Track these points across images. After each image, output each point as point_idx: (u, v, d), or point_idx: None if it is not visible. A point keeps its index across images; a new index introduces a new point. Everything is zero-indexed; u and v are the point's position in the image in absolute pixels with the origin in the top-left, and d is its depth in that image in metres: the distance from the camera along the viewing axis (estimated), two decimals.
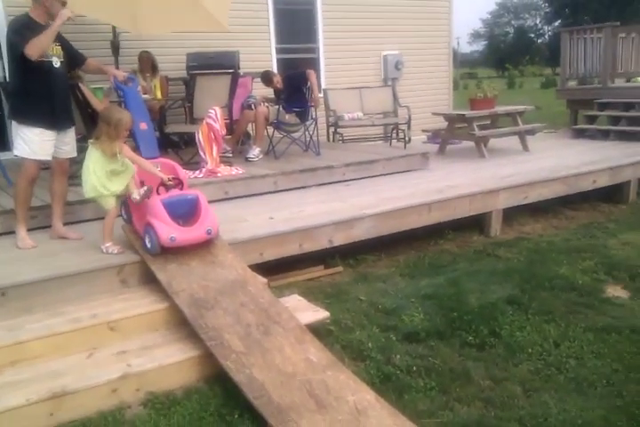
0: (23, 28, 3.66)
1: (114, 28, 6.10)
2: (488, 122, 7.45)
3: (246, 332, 3.12)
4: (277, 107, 6.21)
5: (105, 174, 3.64)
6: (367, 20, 9.19)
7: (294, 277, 4.39)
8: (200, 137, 5.44)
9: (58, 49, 3.82)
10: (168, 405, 2.83)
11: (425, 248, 5.03)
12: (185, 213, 3.69)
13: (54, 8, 3.70)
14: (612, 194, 6.38)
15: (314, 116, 6.40)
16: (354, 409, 2.67)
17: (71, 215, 4.36)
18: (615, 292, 4.02)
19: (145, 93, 5.71)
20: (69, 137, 3.99)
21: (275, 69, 8.72)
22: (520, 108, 7.25)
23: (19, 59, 3.65)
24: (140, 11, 5.30)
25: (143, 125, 4.02)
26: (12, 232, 4.18)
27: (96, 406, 2.79)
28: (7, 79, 6.72)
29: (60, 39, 3.86)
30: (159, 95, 6.14)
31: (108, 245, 3.70)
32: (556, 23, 52.37)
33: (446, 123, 7.26)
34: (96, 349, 3.11)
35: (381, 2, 9.28)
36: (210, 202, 4.92)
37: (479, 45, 63.84)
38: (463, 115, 6.77)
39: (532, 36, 57.71)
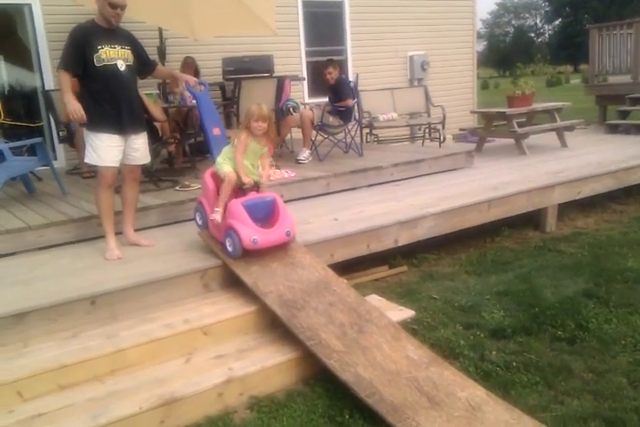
0: (72, 45, 3.67)
1: (160, 33, 6.14)
2: (524, 119, 7.44)
3: (341, 331, 3.12)
4: (322, 109, 6.22)
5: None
6: (393, 22, 9.25)
7: (361, 278, 4.39)
8: None
9: (125, 52, 3.79)
10: (275, 408, 2.83)
11: (483, 246, 5.03)
12: (264, 215, 3.70)
13: (104, 10, 3.70)
14: None
15: (357, 118, 6.41)
16: (467, 405, 2.66)
17: (136, 222, 4.37)
18: None
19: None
20: (139, 143, 3.95)
21: (304, 72, 8.79)
22: (558, 104, 7.27)
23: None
24: (194, 16, 5.32)
25: (216, 131, 4.00)
26: (86, 240, 4.22)
27: (203, 411, 2.79)
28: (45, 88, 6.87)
29: (131, 42, 3.85)
30: None
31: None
32: (557, 22, 52.59)
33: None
34: (192, 354, 3.11)
35: (406, 3, 9.32)
36: None
37: (479, 46, 64.00)
38: (503, 112, 6.78)
39: (533, 35, 57.83)
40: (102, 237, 4.03)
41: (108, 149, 3.79)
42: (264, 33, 6.26)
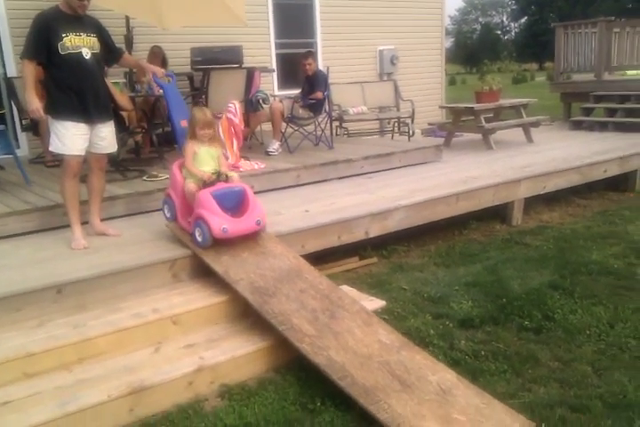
0: (35, 32, 3.57)
1: (127, 22, 6.01)
2: (491, 115, 7.55)
3: (313, 316, 3.12)
4: (292, 101, 6.19)
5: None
6: (363, 15, 9.25)
7: (332, 269, 4.39)
8: (220, 131, 5.39)
9: (91, 40, 3.69)
10: (246, 395, 2.82)
11: (452, 238, 5.09)
12: (233, 205, 3.67)
13: (70, 1, 3.60)
14: (617, 183, 6.55)
15: (327, 110, 6.40)
16: (438, 389, 2.70)
17: (102, 212, 4.28)
18: None
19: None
20: (106, 131, 3.86)
21: (273, 64, 8.74)
22: (524, 100, 7.38)
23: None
24: (163, 5, 5.21)
25: (184, 123, 3.94)
26: (50, 229, 4.13)
27: (173, 400, 2.76)
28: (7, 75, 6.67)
29: (97, 30, 3.75)
30: None
31: None
32: (523, 20, 53.41)
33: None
34: (161, 343, 3.08)
35: None
36: None
37: (447, 42, 64.53)
38: (471, 107, 6.86)
39: (499, 32, 58.64)
40: (67, 226, 3.94)
41: (73, 138, 3.69)
42: (234, 23, 6.19)
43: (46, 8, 3.73)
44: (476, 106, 6.87)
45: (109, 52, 3.91)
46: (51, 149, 3.81)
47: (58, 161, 5.87)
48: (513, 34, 58.27)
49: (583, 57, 8.84)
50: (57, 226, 4.15)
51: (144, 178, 5.06)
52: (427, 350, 3.15)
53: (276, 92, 8.42)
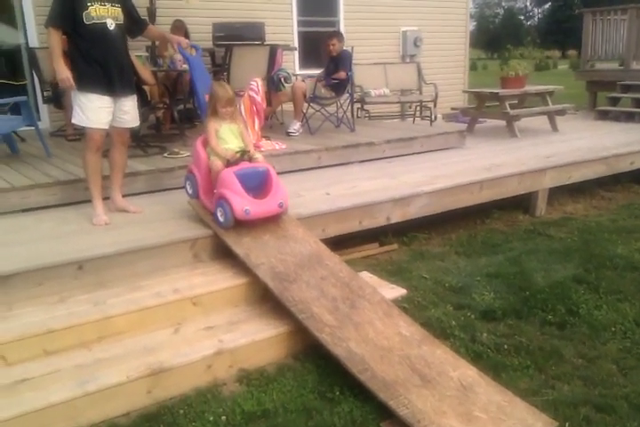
0: (61, 1, 3.48)
1: None
2: (515, 101, 7.39)
3: (334, 306, 3.08)
4: (314, 81, 6.08)
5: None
6: None
7: (351, 255, 4.34)
8: (242, 110, 5.31)
9: (115, 10, 3.60)
10: (264, 382, 2.79)
11: (474, 227, 5.01)
12: (256, 186, 3.60)
13: None
14: None
15: (349, 91, 6.29)
16: (459, 385, 2.66)
17: (123, 188, 4.24)
18: None
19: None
20: (129, 105, 3.79)
21: (295, 43, 8.59)
22: (550, 87, 7.22)
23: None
24: None
25: (208, 97, 3.87)
26: (72, 203, 4.10)
27: (192, 383, 2.74)
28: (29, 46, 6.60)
29: (121, 0, 3.66)
30: None
31: None
32: (546, 5, 52.33)
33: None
34: (180, 324, 3.05)
35: None
36: None
37: (470, 26, 63.31)
38: (496, 93, 6.72)
39: (522, 18, 57.53)
40: (88, 201, 3.90)
41: (97, 111, 3.63)
42: None
43: None
44: (502, 91, 6.73)
45: (134, 23, 3.83)
46: (74, 121, 3.75)
47: (79, 135, 5.86)
48: (536, 19, 57.15)
49: (611, 45, 8.61)
50: (79, 200, 4.12)
51: (165, 155, 5.01)
52: (448, 342, 3.11)
53: (297, 72, 8.29)
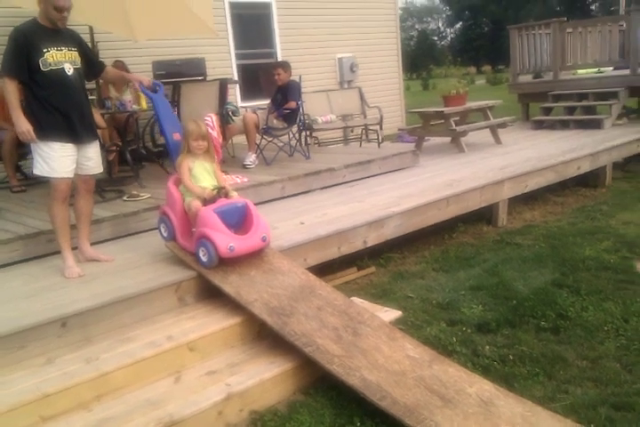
0: (15, 48, 3.34)
1: (92, 35, 5.77)
2: (457, 118, 7.63)
3: (336, 335, 3.02)
4: (266, 112, 6.10)
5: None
6: (320, 24, 9.28)
7: (332, 282, 4.28)
8: None
9: (72, 54, 3.50)
10: (280, 422, 2.69)
11: (443, 242, 5.08)
12: (236, 222, 3.54)
13: (49, 13, 3.41)
14: (588, 179, 6.72)
15: (301, 120, 6.33)
16: (479, 401, 2.64)
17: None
18: None
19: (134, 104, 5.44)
20: (92, 152, 3.67)
21: (235, 76, 8.62)
22: (490, 102, 7.50)
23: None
24: (136, 18, 5.04)
25: (177, 136, 3.78)
26: (35, 257, 3.89)
27: None
28: None
29: (78, 43, 3.57)
30: (144, 105, 5.87)
31: None
32: (457, 25, 54.80)
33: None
34: (180, 372, 2.91)
35: (333, 6, 9.35)
36: None
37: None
38: (442, 111, 6.91)
39: (436, 38, 59.94)
40: (52, 254, 3.74)
41: (61, 160, 3.49)
42: (205, 34, 6.08)
43: (23, 22, 3.52)
44: (446, 109, 6.93)
45: (93, 66, 3.74)
46: (35, 172, 3.57)
47: (25, 186, 5.63)
48: (449, 39, 59.67)
49: (539, 58, 9.07)
50: (42, 254, 3.92)
51: (125, 198, 4.85)
52: (452, 359, 3.10)
53: (240, 104, 8.30)
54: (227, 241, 3.33)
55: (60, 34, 3.51)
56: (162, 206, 3.85)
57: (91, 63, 3.71)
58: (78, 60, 3.57)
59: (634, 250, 4.49)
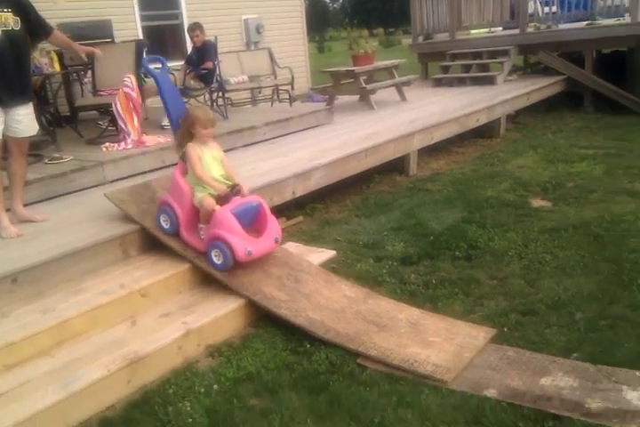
0: None
1: None
2: (365, 77, 7.95)
3: (280, 283, 3.32)
4: (183, 72, 6.13)
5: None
6: None
7: None
8: (119, 107, 5.25)
9: (3, 16, 3.41)
10: (236, 351, 2.95)
11: (362, 192, 5.44)
12: (249, 221, 3.42)
13: None
14: (483, 131, 7.30)
15: (218, 80, 6.41)
16: (409, 323, 3.05)
17: None
18: (538, 203, 4.81)
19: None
20: (22, 114, 3.62)
21: (140, 37, 8.44)
22: (396, 62, 7.88)
23: None
24: None
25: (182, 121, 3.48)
26: None
27: (167, 366, 2.84)
28: None
29: (13, 4, 3.45)
30: (58, 68, 5.71)
31: None
32: None
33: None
34: (134, 317, 3.10)
35: None
36: (149, 171, 4.91)
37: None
38: (352, 70, 7.20)
39: (328, 1, 60.03)
40: None
41: None
42: None
43: None
44: (356, 68, 7.23)
45: (37, 27, 3.64)
46: None
47: None
48: (340, 2, 60.00)
49: (436, 19, 9.54)
50: None
51: (46, 161, 4.81)
52: (382, 288, 3.50)
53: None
54: (244, 245, 3.23)
55: None
56: (163, 196, 3.64)
57: (34, 24, 3.61)
58: (11, 22, 3.47)
59: (528, 189, 5.08)
